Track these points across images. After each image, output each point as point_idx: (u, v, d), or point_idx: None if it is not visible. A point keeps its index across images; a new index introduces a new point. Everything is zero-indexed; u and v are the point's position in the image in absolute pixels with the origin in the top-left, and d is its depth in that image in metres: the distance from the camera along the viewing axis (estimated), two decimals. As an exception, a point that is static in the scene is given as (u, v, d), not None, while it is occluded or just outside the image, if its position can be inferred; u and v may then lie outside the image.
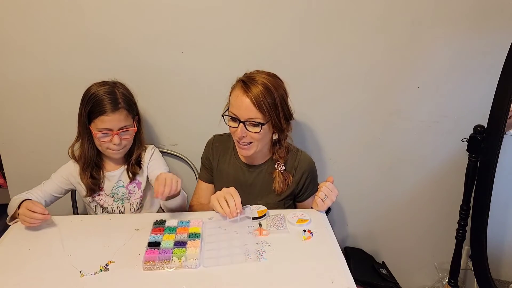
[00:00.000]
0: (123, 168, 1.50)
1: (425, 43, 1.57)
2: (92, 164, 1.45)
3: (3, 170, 1.78)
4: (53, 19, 1.51)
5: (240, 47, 1.57)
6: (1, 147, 1.71)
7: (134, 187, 1.51)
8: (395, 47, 1.58)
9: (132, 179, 1.49)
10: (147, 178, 1.52)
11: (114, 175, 1.49)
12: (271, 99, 1.26)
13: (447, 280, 1.78)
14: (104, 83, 1.40)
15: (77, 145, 1.46)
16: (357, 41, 1.57)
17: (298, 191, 1.44)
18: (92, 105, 1.34)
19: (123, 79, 1.46)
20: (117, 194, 1.50)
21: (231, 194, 1.25)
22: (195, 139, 1.66)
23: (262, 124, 1.28)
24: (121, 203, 1.50)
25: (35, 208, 1.21)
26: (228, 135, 1.46)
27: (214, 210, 1.31)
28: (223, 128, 1.41)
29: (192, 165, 1.70)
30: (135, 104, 1.45)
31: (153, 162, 1.52)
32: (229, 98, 1.34)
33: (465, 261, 1.83)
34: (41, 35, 1.54)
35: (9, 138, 1.69)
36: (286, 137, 1.40)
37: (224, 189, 1.28)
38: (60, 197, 1.51)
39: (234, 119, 1.30)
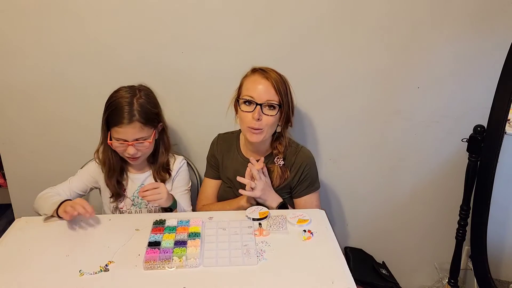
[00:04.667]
0: (148, 172, 1.48)
1: (425, 43, 1.57)
2: (117, 170, 1.43)
3: (3, 170, 1.78)
4: (53, 20, 1.51)
5: (242, 48, 1.57)
6: (1, 147, 1.71)
7: None
8: (396, 47, 1.58)
9: None
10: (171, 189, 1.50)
11: (139, 178, 1.48)
12: (285, 87, 1.34)
13: (447, 280, 1.78)
14: (128, 89, 1.38)
15: (102, 148, 1.43)
16: (357, 41, 1.57)
17: (294, 185, 1.45)
18: (110, 113, 1.34)
19: (123, 79, 1.45)
20: (137, 198, 1.47)
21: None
22: (195, 139, 1.67)
23: (279, 106, 1.32)
24: (139, 207, 1.48)
25: (86, 206, 1.23)
26: (231, 133, 1.51)
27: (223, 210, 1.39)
28: (222, 127, 1.41)
29: (192, 165, 1.70)
30: (157, 114, 1.41)
31: (179, 177, 1.51)
32: (241, 86, 1.37)
33: (465, 261, 1.83)
34: (41, 36, 1.54)
35: (9, 138, 1.69)
36: (286, 130, 1.42)
37: None
38: (84, 195, 1.49)
39: (250, 102, 1.32)
